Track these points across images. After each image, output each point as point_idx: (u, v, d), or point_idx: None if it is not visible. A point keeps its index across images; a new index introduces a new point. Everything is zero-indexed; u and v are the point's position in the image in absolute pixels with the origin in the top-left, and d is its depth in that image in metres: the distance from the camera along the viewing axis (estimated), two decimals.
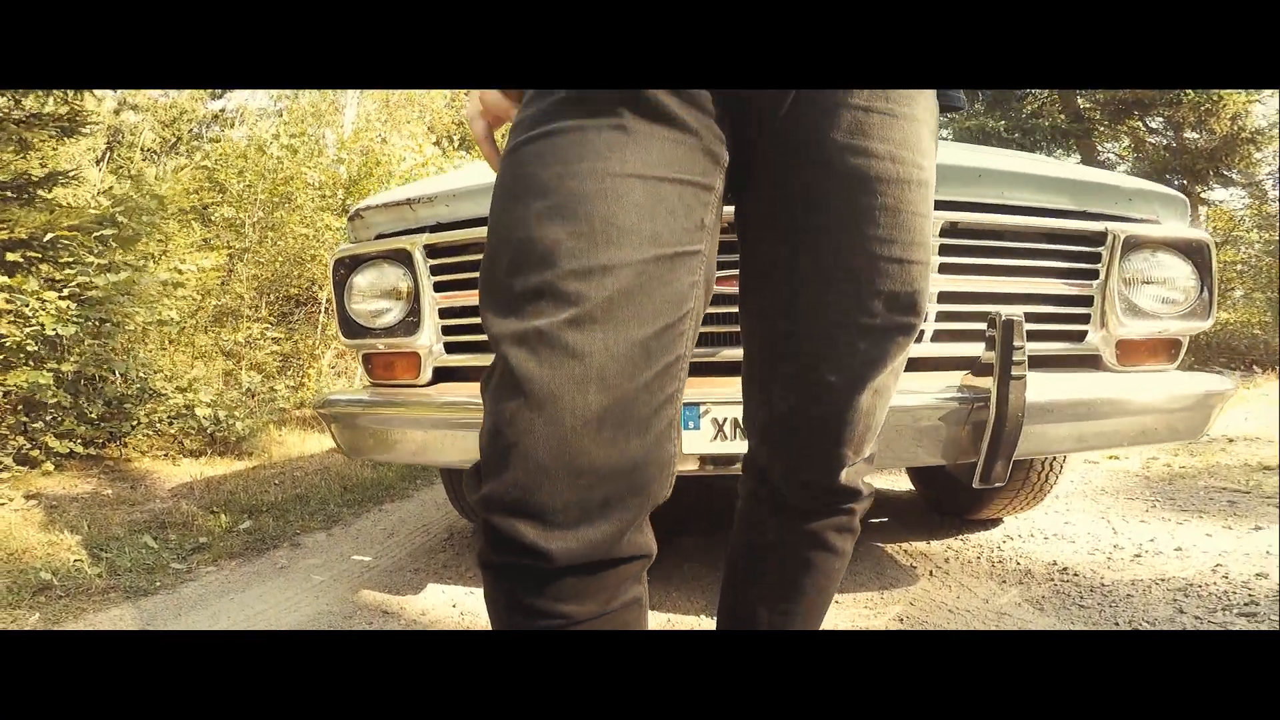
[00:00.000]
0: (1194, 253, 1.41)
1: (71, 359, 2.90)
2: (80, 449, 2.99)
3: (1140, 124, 9.12)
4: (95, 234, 2.97)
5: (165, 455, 3.44)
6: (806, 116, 0.58)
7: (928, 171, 0.61)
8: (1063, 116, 9.26)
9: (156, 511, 2.58)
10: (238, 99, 13.36)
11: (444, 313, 1.52)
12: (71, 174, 4.27)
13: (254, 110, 12.53)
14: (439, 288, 1.51)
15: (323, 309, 5.37)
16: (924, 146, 0.61)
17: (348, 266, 1.60)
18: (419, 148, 5.78)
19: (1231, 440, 2.98)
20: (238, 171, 5.36)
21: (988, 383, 1.22)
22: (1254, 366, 6.44)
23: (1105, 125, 9.41)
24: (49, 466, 3.00)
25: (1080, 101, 9.31)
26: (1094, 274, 1.38)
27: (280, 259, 5.31)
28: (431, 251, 1.50)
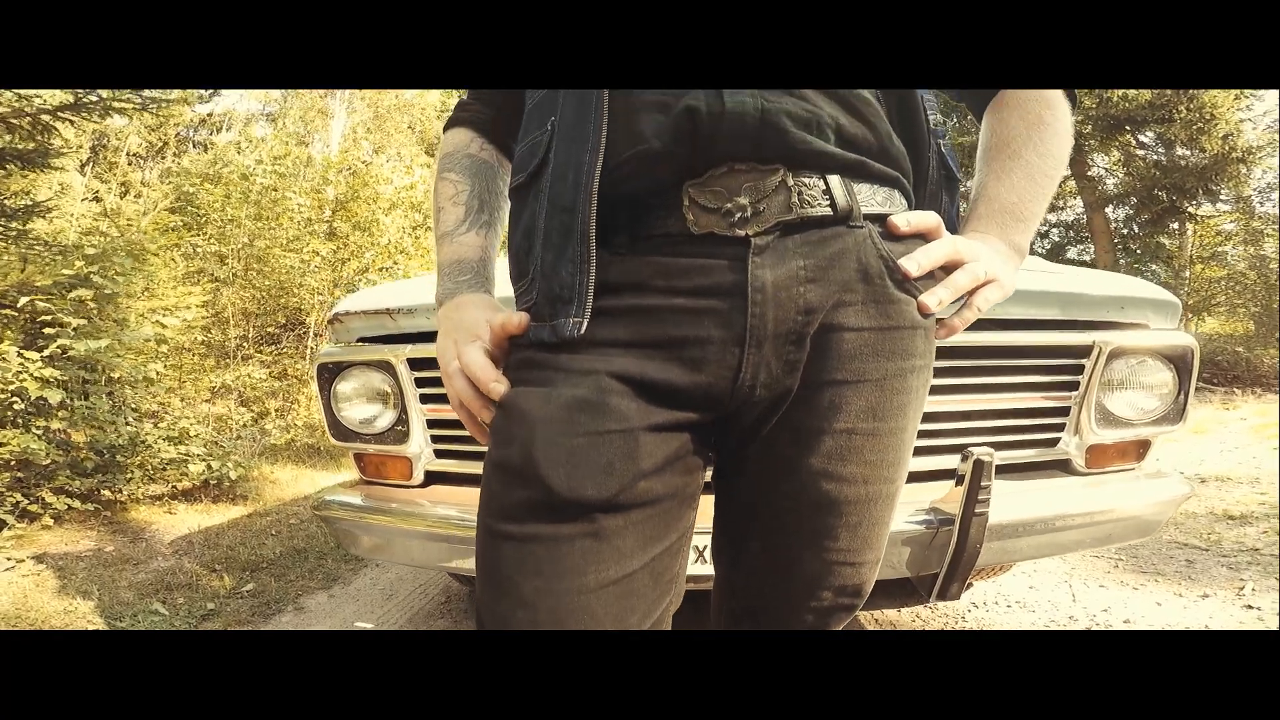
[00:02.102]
0: (1177, 358, 1.40)
1: (58, 417, 2.93)
2: (78, 505, 3.04)
3: (1131, 139, 9.14)
4: (71, 295, 2.97)
5: (160, 501, 3.49)
6: (788, 441, 0.61)
7: (897, 484, 0.63)
8: None
9: (161, 571, 2.64)
10: (225, 103, 13.22)
11: (432, 423, 1.56)
12: (47, 204, 4.23)
13: (242, 115, 12.40)
14: (426, 399, 1.54)
15: (311, 333, 5.39)
16: (902, 455, 0.63)
17: (331, 371, 1.59)
18: (408, 168, 5.75)
19: (1204, 480, 3.04)
20: (222, 197, 5.34)
21: (955, 501, 1.26)
22: (1234, 387, 6.47)
23: (1097, 139, 9.42)
24: (49, 520, 3.05)
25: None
26: (1074, 385, 1.38)
27: (267, 284, 5.30)
28: (415, 364, 1.51)
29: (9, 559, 2.69)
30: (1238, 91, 7.91)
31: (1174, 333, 1.42)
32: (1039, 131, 0.69)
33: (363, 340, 1.61)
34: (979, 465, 1.21)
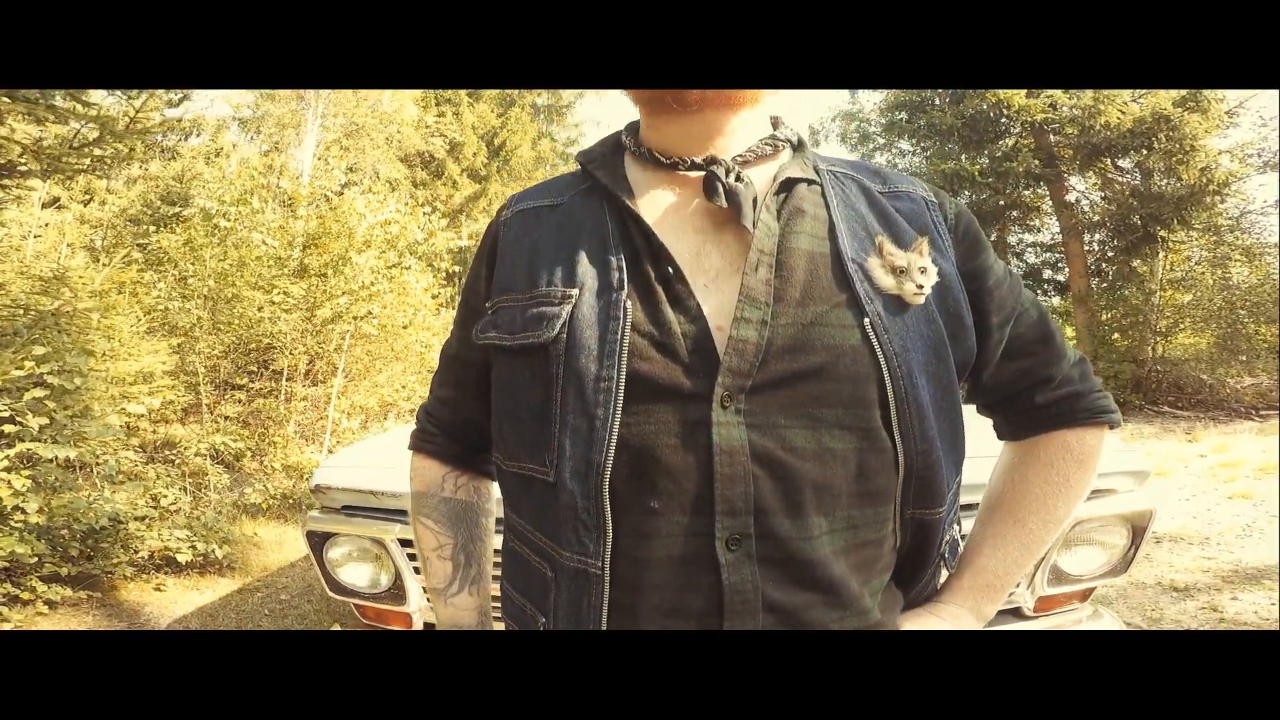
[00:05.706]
0: (1136, 523, 1.43)
1: (35, 513, 2.92)
2: (69, 592, 3.06)
3: (1109, 163, 9.24)
4: (26, 396, 2.92)
5: (147, 575, 3.48)
6: None
7: None
8: (1037, 161, 9.39)
9: None
10: (195, 108, 12.78)
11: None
12: None
13: (213, 121, 12.00)
14: (420, 570, 1.58)
15: (285, 375, 5.34)
16: None
17: (321, 537, 1.59)
18: (382, 201, 5.65)
19: (1158, 541, 3.09)
20: (184, 243, 5.21)
21: None
22: (1198, 412, 6.52)
23: (1076, 163, 9.50)
24: (42, 608, 3.06)
25: (1052, 139, 9.43)
26: None
27: (237, 326, 5.22)
28: (407, 542, 1.51)
29: None
30: (1217, 120, 8.07)
31: (1138, 495, 1.47)
32: (1056, 497, 0.67)
33: (348, 509, 1.61)
34: None
